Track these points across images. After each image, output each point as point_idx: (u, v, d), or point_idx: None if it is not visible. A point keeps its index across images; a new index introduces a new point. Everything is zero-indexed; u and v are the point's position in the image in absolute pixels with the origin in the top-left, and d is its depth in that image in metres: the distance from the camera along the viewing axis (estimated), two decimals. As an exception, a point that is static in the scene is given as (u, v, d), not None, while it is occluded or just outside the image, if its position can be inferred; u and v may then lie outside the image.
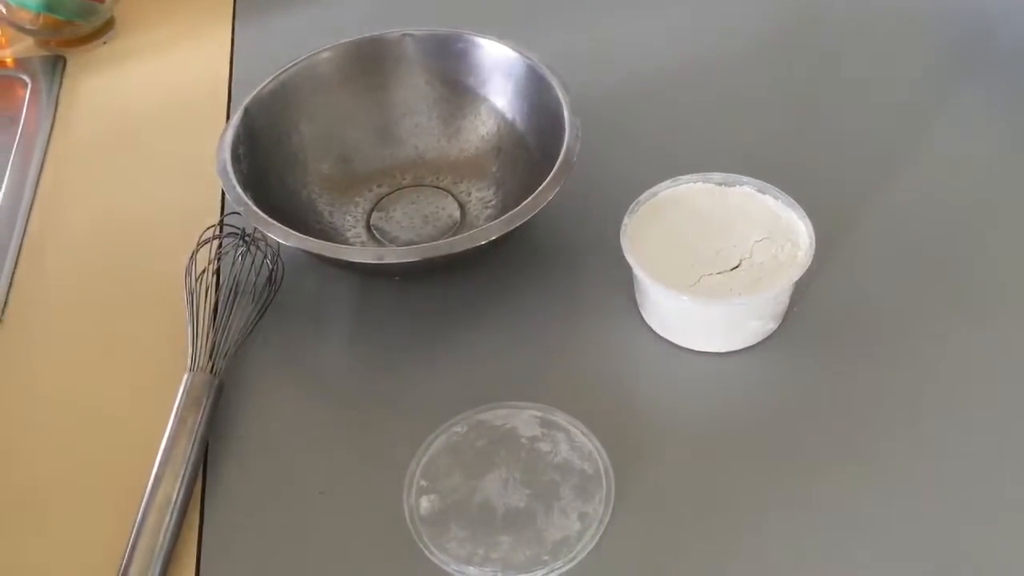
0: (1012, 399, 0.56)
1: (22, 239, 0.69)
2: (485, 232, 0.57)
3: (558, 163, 0.59)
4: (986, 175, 0.68)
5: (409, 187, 0.70)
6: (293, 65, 0.68)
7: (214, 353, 0.58)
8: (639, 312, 0.61)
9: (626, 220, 0.60)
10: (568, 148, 0.60)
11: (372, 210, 0.68)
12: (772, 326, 0.59)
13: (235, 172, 0.61)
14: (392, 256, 0.58)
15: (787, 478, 0.53)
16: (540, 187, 0.58)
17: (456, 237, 0.58)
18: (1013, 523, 0.51)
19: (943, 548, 0.51)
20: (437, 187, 0.69)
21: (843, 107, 0.74)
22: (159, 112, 0.78)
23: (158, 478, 0.53)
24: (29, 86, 0.81)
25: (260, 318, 0.61)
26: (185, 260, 0.62)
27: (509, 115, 0.68)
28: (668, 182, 0.61)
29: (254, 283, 0.63)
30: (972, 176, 0.68)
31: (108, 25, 0.86)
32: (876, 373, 0.58)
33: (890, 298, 0.61)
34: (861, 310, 0.61)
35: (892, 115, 0.73)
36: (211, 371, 0.57)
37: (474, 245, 0.57)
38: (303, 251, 0.59)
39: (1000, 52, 0.77)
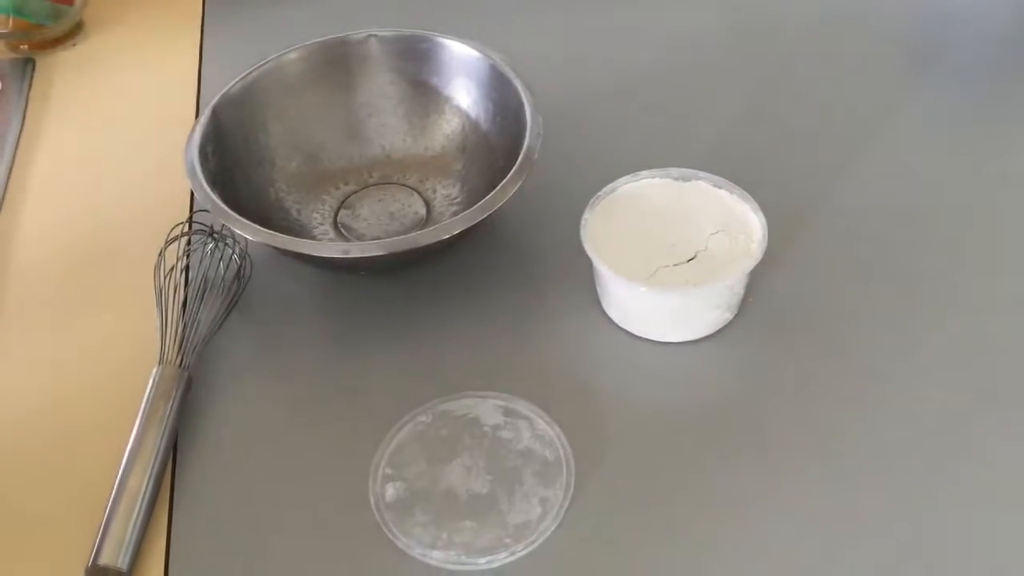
0: (961, 388, 0.58)
1: (-8, 238, 0.70)
2: (448, 227, 0.58)
3: (519, 160, 0.61)
4: (932, 174, 0.70)
5: (376, 185, 0.71)
6: (260, 65, 0.69)
7: (183, 347, 0.59)
8: (600, 303, 0.62)
9: (586, 214, 0.61)
10: (529, 145, 0.62)
11: (339, 208, 0.70)
12: (728, 316, 0.61)
13: (203, 171, 0.62)
14: (357, 251, 0.60)
15: (743, 464, 0.55)
16: (502, 183, 0.60)
17: (420, 232, 0.59)
18: (963, 509, 0.53)
19: (897, 534, 0.52)
20: (404, 184, 0.71)
21: (797, 107, 0.76)
22: (128, 113, 0.79)
23: (128, 468, 0.54)
24: (-1, 88, 0.82)
25: (229, 313, 0.62)
26: (155, 257, 0.63)
27: (473, 114, 0.70)
28: (627, 177, 0.63)
29: (223, 279, 0.64)
30: (919, 175, 0.70)
31: (77, 28, 0.86)
32: (828, 361, 0.59)
33: (841, 289, 0.63)
34: (814, 300, 0.63)
35: (844, 115, 0.75)
36: (180, 365, 0.58)
37: (437, 240, 0.58)
38: (270, 247, 0.60)
39: (950, 60, 0.80)
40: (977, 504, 0.53)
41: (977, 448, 0.55)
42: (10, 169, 0.75)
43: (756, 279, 0.61)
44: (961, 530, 0.52)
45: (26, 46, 0.85)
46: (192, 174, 0.62)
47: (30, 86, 0.82)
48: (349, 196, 0.70)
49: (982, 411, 0.57)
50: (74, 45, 0.86)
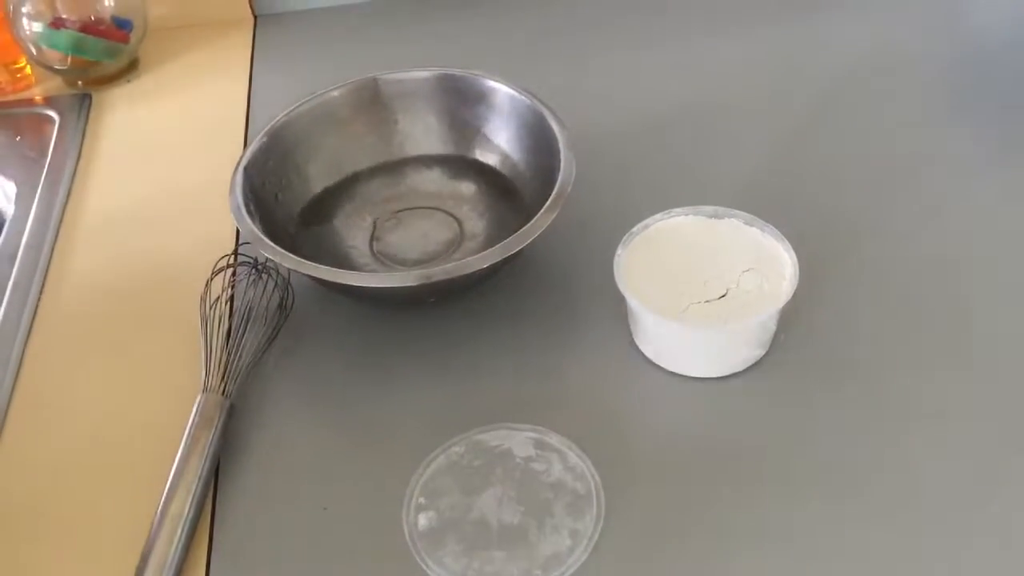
0: (999, 431, 0.58)
1: (48, 264, 0.73)
2: (481, 259, 0.60)
3: (553, 194, 0.62)
4: (969, 219, 0.70)
5: (411, 210, 0.73)
6: (304, 102, 0.71)
7: (226, 376, 0.61)
8: (632, 338, 0.63)
9: (620, 251, 0.62)
10: (563, 180, 0.63)
11: (376, 230, 0.71)
12: (759, 353, 0.62)
13: (246, 205, 0.64)
14: (390, 281, 0.62)
15: (772, 501, 0.55)
16: (536, 216, 0.61)
17: (452, 264, 0.60)
18: (995, 550, 0.53)
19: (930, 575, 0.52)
20: (438, 209, 0.73)
21: (831, 146, 0.76)
22: (179, 146, 0.82)
23: (170, 494, 0.56)
24: (57, 123, 0.85)
25: (271, 342, 0.64)
26: (202, 287, 0.65)
27: (509, 150, 0.71)
28: (660, 214, 0.64)
29: (266, 309, 0.66)
30: (955, 215, 0.70)
31: (133, 65, 0.90)
32: (859, 399, 0.60)
33: (872, 327, 0.63)
34: (846, 338, 0.63)
35: (878, 154, 0.75)
36: (223, 393, 0.60)
37: (471, 271, 0.59)
38: (311, 278, 0.62)
39: (989, 102, 0.80)
40: (1012, 556, 0.53)
41: (1015, 494, 0.55)
42: (66, 201, 0.78)
43: (788, 316, 0.62)
44: (997, 568, 0.52)
45: (83, 82, 0.88)
46: (236, 211, 0.64)
47: (87, 121, 0.85)
48: (385, 223, 0.72)
49: (1021, 458, 0.56)
50: (128, 81, 0.89)
